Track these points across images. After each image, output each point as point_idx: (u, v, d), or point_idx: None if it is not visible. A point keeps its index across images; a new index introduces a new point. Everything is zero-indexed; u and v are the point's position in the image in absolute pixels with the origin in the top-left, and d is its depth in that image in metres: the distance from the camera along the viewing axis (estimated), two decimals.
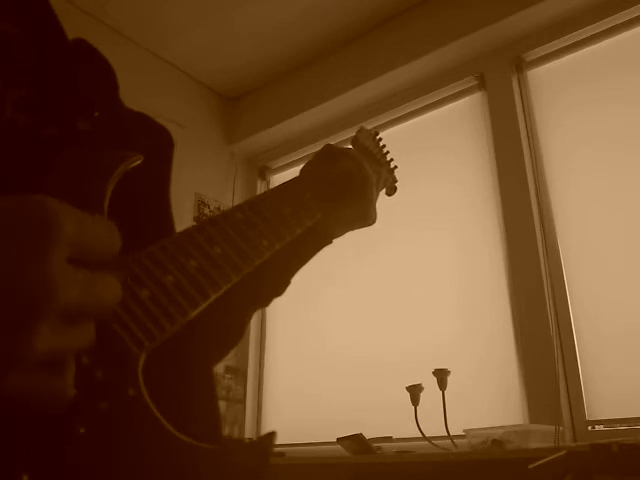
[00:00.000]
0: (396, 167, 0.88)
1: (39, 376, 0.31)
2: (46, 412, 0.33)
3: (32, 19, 0.57)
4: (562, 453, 1.50)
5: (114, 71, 0.61)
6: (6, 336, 0.30)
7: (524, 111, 2.41)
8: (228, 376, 2.79)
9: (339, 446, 2.09)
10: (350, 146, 0.81)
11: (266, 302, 0.75)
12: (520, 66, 2.47)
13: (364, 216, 0.75)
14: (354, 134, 0.83)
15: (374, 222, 0.77)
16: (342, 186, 0.72)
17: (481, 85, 2.56)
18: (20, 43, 0.53)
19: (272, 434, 0.47)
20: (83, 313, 0.33)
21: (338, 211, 0.71)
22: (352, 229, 0.77)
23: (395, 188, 0.89)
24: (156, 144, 0.61)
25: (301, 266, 0.73)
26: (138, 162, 0.51)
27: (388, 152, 0.87)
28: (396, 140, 2.75)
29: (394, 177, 0.89)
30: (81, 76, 0.58)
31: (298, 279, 0.73)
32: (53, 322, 0.31)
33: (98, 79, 0.60)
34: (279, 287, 0.74)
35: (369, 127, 2.69)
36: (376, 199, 0.78)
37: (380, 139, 0.87)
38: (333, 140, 2.99)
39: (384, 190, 0.87)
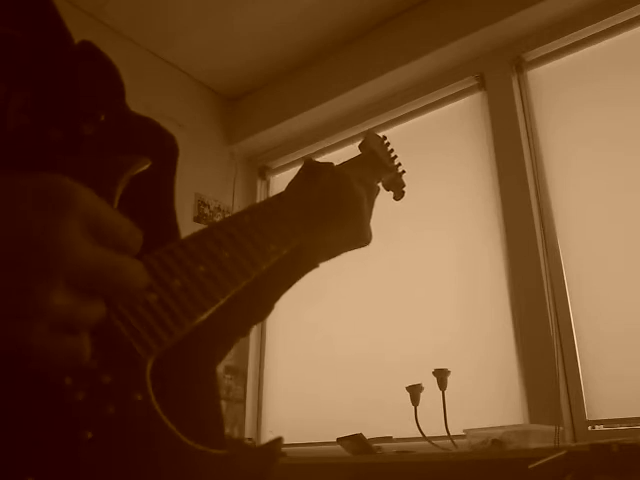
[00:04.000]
0: (404, 172, 0.87)
1: (57, 335, 0.32)
2: (64, 368, 0.35)
3: (37, 22, 0.56)
4: (562, 453, 1.50)
5: (120, 74, 0.61)
6: (25, 292, 0.31)
7: (524, 111, 2.41)
8: (228, 376, 2.79)
9: (339, 446, 2.09)
10: (340, 154, 0.79)
11: (247, 330, 0.72)
12: (520, 66, 2.47)
13: (355, 239, 0.70)
14: (363, 138, 0.81)
15: (368, 243, 0.71)
16: (326, 209, 0.67)
17: (481, 85, 2.56)
18: (25, 46, 0.53)
19: (279, 439, 0.46)
20: (98, 284, 0.34)
21: (324, 236, 0.68)
22: (343, 252, 0.72)
23: (403, 193, 0.86)
24: (161, 149, 0.60)
25: (285, 291, 0.71)
26: (146, 167, 0.51)
27: (396, 156, 0.86)
28: (396, 140, 2.75)
29: (402, 181, 0.86)
30: (87, 79, 0.58)
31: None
32: (68, 283, 0.32)
33: (104, 82, 0.60)
34: (262, 313, 0.72)
35: (370, 126, 2.66)
36: (369, 216, 0.72)
37: (388, 143, 0.86)
38: (333, 140, 3.00)
39: (392, 195, 0.86)
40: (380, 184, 0.82)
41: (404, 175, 0.88)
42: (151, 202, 0.58)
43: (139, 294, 0.38)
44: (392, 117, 2.81)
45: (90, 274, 0.33)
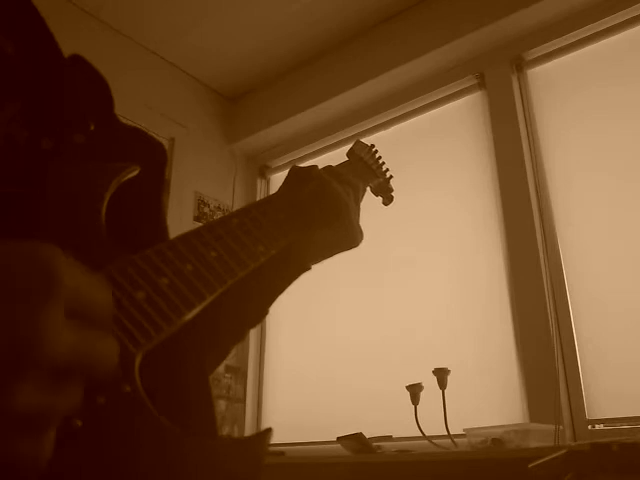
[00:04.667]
0: (392, 177, 0.90)
1: (14, 437, 0.30)
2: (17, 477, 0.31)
3: (28, 36, 0.57)
4: (562, 452, 1.50)
5: (109, 86, 0.62)
6: None
7: (524, 110, 2.41)
8: (228, 375, 2.79)
9: (339, 445, 2.09)
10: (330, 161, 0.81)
11: (242, 334, 0.73)
12: (520, 65, 2.47)
13: (344, 239, 0.71)
14: (350, 147, 0.84)
15: (358, 243, 0.72)
16: (312, 211, 0.68)
17: (481, 84, 2.56)
18: (16, 59, 0.54)
19: (268, 430, 0.47)
20: (74, 373, 0.32)
21: (311, 237, 0.69)
22: (334, 253, 0.73)
23: (391, 198, 0.89)
24: (150, 157, 0.62)
25: (278, 295, 0.72)
26: (134, 173, 0.52)
27: (384, 163, 0.89)
28: (395, 139, 2.76)
29: (390, 187, 0.89)
30: (77, 91, 0.59)
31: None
32: (38, 380, 0.30)
33: (93, 94, 0.61)
34: (257, 317, 0.73)
35: (370, 126, 2.67)
36: (356, 216, 0.73)
37: (376, 151, 0.88)
38: (333, 139, 3.00)
39: (381, 200, 0.89)
40: (369, 189, 0.85)
41: (398, 169, 0.90)
42: (140, 207, 0.59)
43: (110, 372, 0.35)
44: (392, 116, 2.81)
45: (68, 363, 0.31)
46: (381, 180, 0.87)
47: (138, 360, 0.42)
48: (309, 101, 2.95)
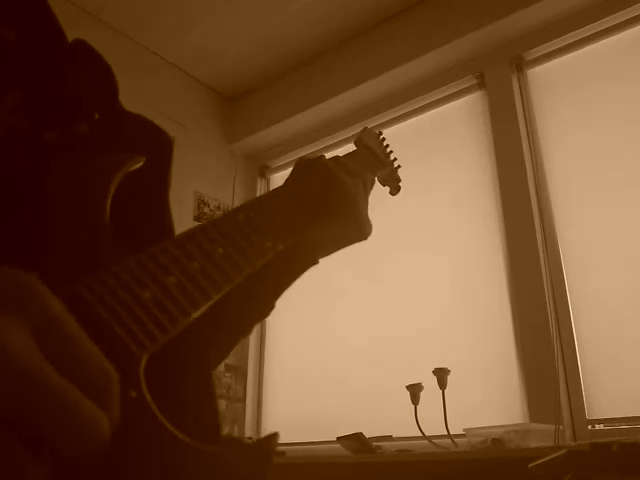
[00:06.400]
0: (399, 167, 0.88)
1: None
2: None
3: (30, 21, 0.56)
4: (562, 452, 1.49)
5: (113, 73, 0.60)
6: None
7: (524, 110, 2.41)
8: (228, 375, 2.79)
9: (339, 445, 2.09)
10: (341, 149, 0.80)
11: (249, 329, 0.72)
12: (520, 65, 2.47)
13: (352, 232, 0.69)
14: (357, 134, 0.82)
15: (367, 236, 0.70)
16: (319, 204, 0.66)
17: (481, 84, 2.55)
18: (18, 47, 0.53)
19: (274, 435, 0.46)
20: (37, 420, 0.27)
21: (320, 231, 0.67)
22: (343, 247, 0.71)
23: (399, 188, 0.87)
24: (156, 147, 0.60)
25: (285, 289, 0.70)
26: (139, 164, 0.51)
27: (392, 152, 0.87)
28: (396, 139, 2.75)
29: (397, 176, 0.87)
30: (80, 78, 0.58)
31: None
32: None
33: (97, 81, 0.59)
34: (263, 312, 0.72)
35: (370, 125, 2.68)
36: (365, 208, 0.71)
37: (384, 139, 0.87)
38: (333, 139, 3.00)
39: (388, 190, 0.87)
40: (376, 179, 0.82)
41: (400, 170, 0.89)
42: (145, 199, 0.57)
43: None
44: (392, 116, 2.81)
45: (26, 402, 0.27)
46: (389, 169, 0.85)
47: (143, 363, 0.41)
48: (309, 101, 2.95)
